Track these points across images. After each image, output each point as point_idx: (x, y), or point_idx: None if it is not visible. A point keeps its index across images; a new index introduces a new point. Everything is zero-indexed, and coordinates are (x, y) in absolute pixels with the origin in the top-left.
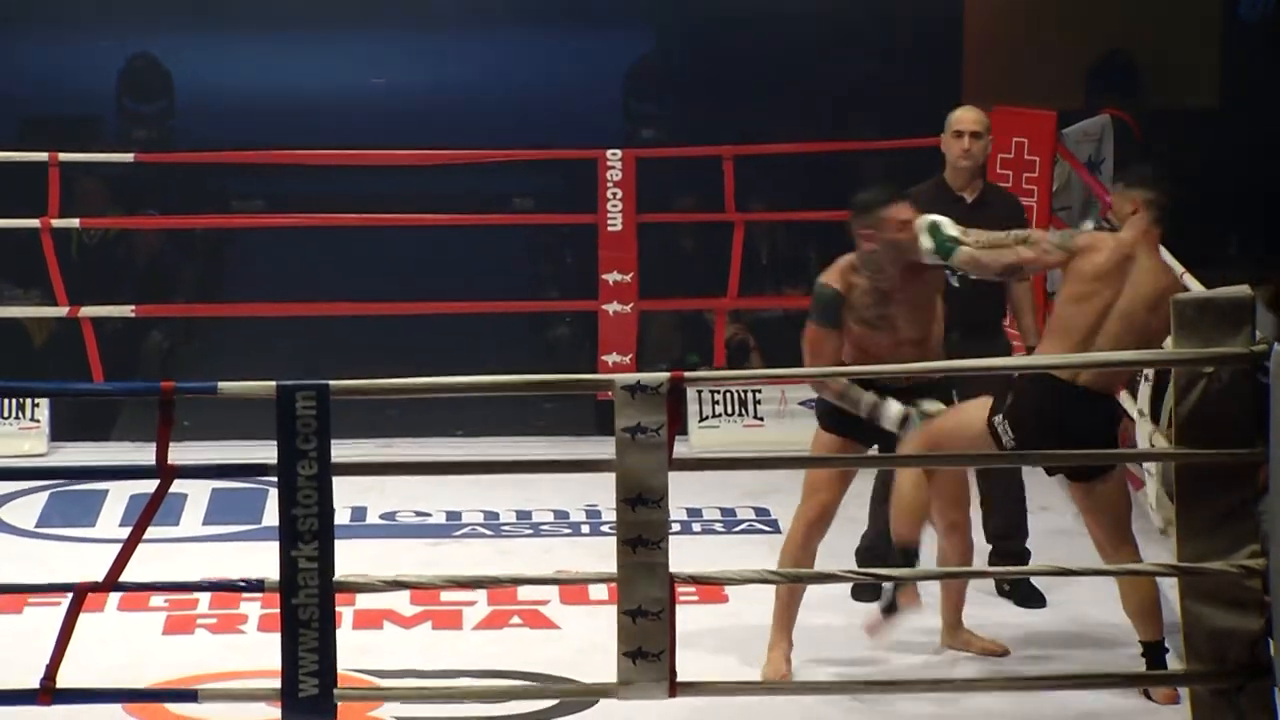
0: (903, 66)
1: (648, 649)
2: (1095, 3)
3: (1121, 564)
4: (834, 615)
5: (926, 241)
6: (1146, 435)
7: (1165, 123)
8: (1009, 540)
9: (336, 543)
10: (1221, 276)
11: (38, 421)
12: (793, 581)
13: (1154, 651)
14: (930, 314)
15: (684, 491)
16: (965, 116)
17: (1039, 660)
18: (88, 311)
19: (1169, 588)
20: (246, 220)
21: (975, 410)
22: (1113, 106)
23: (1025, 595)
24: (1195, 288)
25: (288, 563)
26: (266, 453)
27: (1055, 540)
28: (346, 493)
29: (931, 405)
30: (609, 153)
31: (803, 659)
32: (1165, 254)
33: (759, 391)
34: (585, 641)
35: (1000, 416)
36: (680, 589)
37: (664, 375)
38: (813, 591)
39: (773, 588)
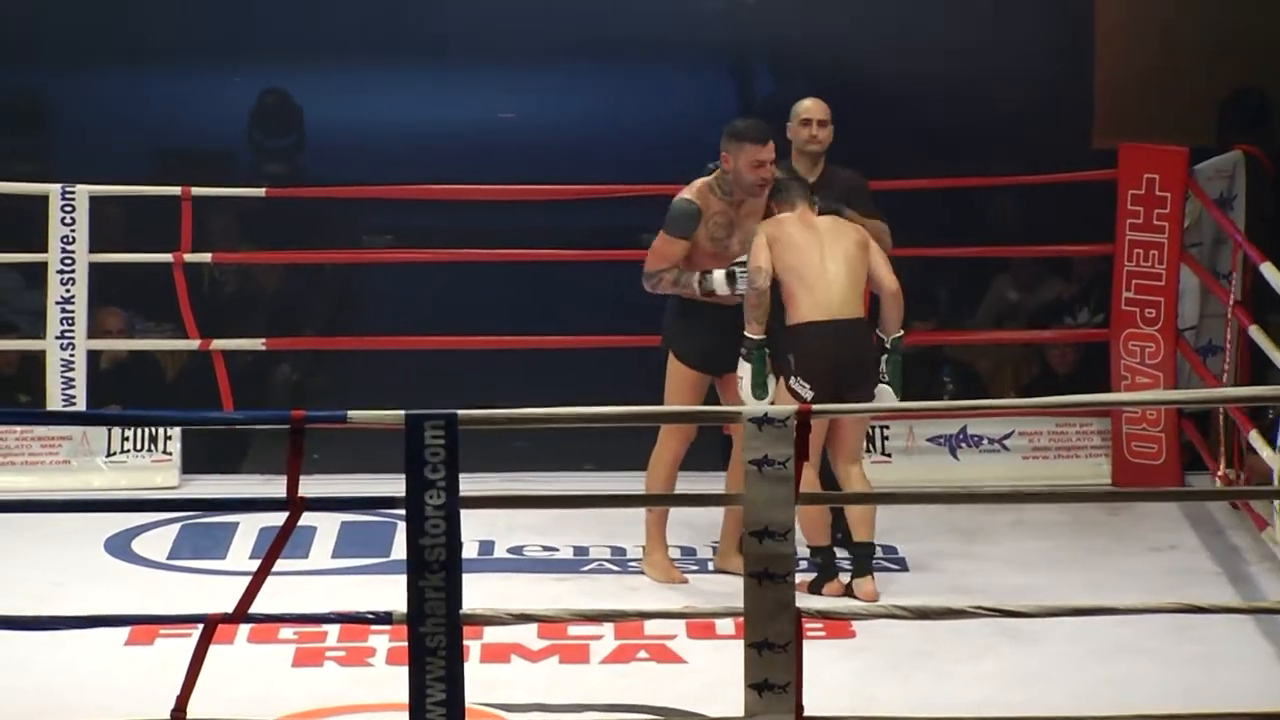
0: (1035, 103)
1: (774, 681)
2: (1227, 38)
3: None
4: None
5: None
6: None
7: None
8: None
9: (464, 576)
10: None
11: (169, 455)
12: (918, 618)
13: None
14: None
15: None
16: (812, 106)
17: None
18: (219, 344)
19: None
20: (375, 255)
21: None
22: (1245, 143)
23: None
24: None
25: (415, 592)
26: (395, 486)
27: (1184, 579)
28: (474, 526)
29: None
30: None
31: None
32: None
33: (887, 428)
34: (712, 676)
35: (794, 378)
36: (807, 624)
37: (791, 408)
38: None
39: (902, 624)
